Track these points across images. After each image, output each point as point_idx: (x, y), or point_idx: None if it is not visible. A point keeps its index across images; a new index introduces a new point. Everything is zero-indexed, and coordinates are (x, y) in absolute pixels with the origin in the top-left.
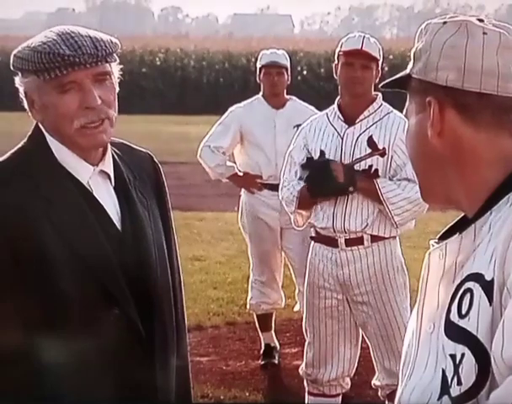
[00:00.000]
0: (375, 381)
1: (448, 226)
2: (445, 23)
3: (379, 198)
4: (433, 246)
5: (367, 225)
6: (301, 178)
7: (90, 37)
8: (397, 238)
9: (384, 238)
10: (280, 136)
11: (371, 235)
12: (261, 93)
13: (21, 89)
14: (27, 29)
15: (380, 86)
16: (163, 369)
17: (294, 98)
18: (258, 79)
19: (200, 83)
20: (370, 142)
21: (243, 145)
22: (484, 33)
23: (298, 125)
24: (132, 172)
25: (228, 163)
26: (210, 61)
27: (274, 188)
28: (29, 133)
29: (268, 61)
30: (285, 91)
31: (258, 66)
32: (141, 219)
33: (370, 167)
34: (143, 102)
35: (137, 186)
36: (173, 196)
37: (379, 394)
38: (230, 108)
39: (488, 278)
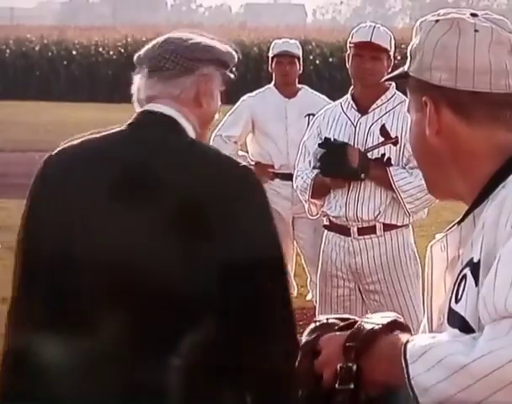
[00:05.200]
0: None
1: (455, 221)
2: (437, 21)
3: (391, 186)
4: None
5: (379, 213)
6: (314, 167)
7: None
8: (410, 227)
9: (396, 227)
10: (292, 126)
11: (384, 223)
12: (273, 83)
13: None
14: (40, 18)
15: (382, 80)
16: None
17: (306, 87)
18: (270, 68)
19: None
20: (383, 131)
21: (255, 134)
22: (476, 30)
23: (310, 115)
24: None
25: (240, 153)
26: None
27: (285, 177)
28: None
29: (280, 51)
30: (296, 80)
31: (271, 55)
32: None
33: (383, 155)
34: None
35: None
36: None
37: None
38: (242, 98)
39: (475, 260)
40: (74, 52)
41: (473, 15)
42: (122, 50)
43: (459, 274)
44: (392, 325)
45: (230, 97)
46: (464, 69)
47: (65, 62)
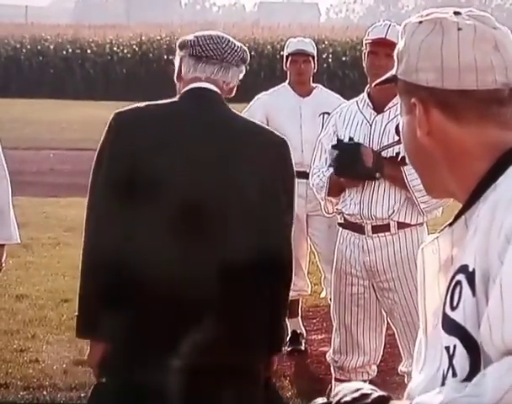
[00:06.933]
0: (401, 368)
1: (447, 223)
2: (420, 22)
3: (405, 185)
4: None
5: (393, 212)
6: (330, 166)
7: None
8: (425, 225)
9: (410, 225)
10: (306, 124)
11: (398, 222)
12: (287, 81)
13: None
14: (55, 16)
15: (373, 85)
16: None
17: (320, 86)
18: (284, 67)
19: None
20: (398, 130)
21: None
22: (459, 28)
23: (324, 113)
24: None
25: None
26: None
27: (300, 175)
28: None
29: (295, 49)
30: (311, 79)
31: (285, 54)
32: None
33: (398, 154)
34: (170, 90)
35: None
36: None
37: (406, 380)
38: (256, 96)
39: (470, 269)
40: (89, 51)
41: (456, 13)
42: (136, 49)
43: (452, 279)
44: (380, 399)
45: (244, 95)
46: (449, 68)
47: (79, 61)
